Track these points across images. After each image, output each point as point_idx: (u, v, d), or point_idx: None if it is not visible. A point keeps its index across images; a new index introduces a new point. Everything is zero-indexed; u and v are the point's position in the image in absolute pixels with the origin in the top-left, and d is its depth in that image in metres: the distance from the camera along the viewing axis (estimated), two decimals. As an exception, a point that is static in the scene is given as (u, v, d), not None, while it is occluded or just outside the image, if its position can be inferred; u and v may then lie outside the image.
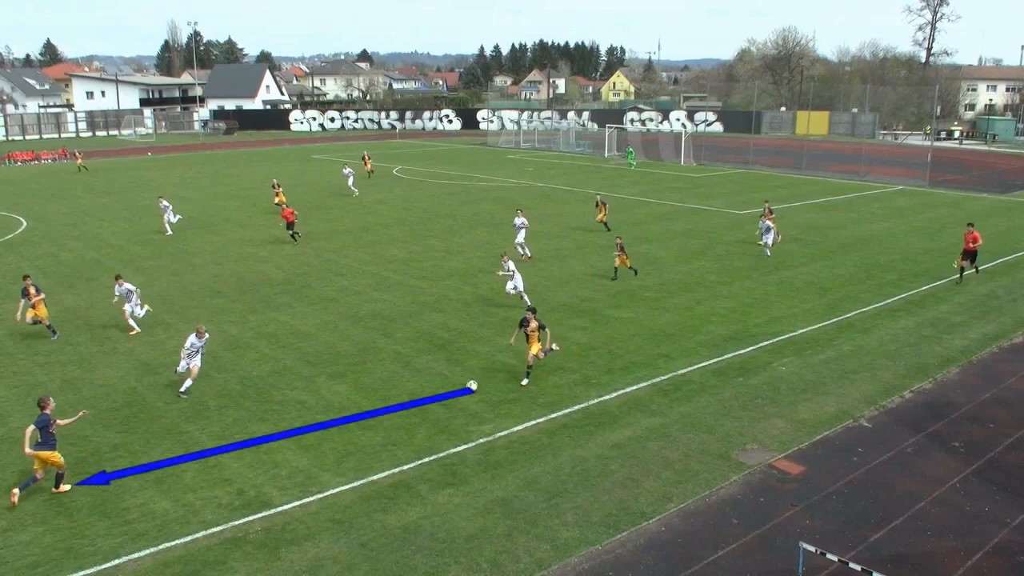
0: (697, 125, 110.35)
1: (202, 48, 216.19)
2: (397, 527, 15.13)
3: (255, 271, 34.51)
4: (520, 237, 35.82)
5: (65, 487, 16.56)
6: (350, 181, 56.72)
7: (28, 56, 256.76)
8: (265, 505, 15.90)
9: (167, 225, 43.56)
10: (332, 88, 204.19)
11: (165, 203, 44.25)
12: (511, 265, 28.61)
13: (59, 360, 24.12)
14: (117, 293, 26.63)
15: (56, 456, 16.56)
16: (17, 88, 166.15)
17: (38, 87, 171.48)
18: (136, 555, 14.37)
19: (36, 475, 16.47)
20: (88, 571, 13.97)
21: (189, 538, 14.84)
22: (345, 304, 29.34)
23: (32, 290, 25.91)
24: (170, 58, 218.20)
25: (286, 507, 15.83)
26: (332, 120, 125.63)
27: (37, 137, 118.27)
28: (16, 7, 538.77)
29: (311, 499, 16.11)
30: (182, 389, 21.15)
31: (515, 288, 28.04)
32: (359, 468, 17.32)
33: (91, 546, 14.66)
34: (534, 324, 21.83)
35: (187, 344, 21.42)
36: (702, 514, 15.65)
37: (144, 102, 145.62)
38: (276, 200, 48.83)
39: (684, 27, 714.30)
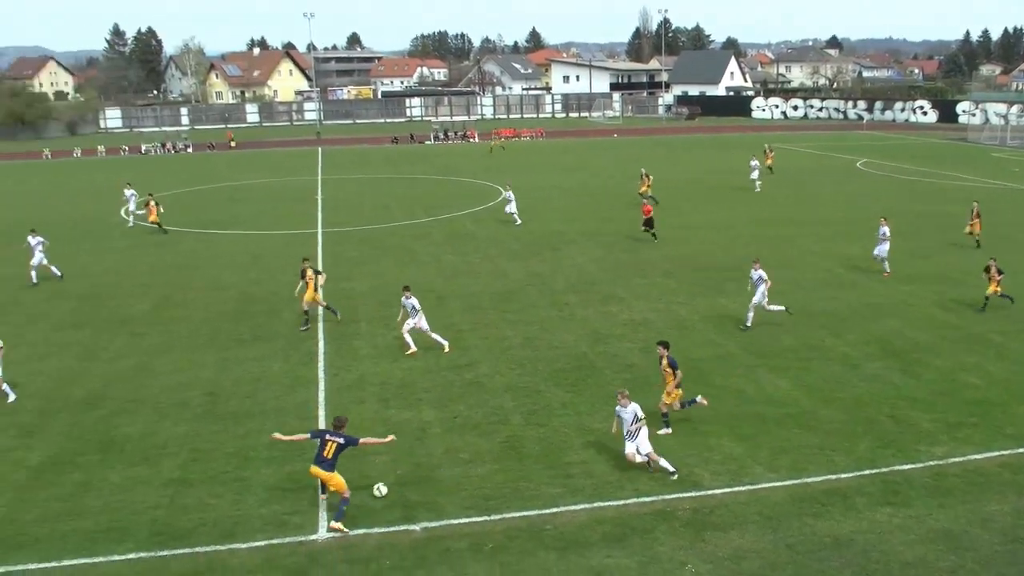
0: None
1: (670, 35, 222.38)
2: (827, 536, 14.47)
3: (706, 254, 34.95)
4: (880, 250, 31.57)
5: (338, 525, 14.92)
6: (754, 174, 53.52)
7: (516, 43, 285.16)
8: (695, 486, 16.09)
9: (129, 216, 44.68)
10: (797, 75, 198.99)
11: (129, 192, 46.62)
12: (760, 274, 25.14)
13: (524, 320, 26.45)
14: (403, 303, 23.73)
15: (337, 479, 15.19)
16: (505, 72, 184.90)
17: (522, 71, 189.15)
18: (572, 507, 15.36)
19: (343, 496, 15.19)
20: (529, 512, 15.22)
21: (621, 502, 15.52)
22: (793, 298, 28.46)
23: (309, 272, 26.30)
24: (639, 44, 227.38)
25: (716, 492, 15.88)
26: (795, 108, 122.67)
27: (519, 116, 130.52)
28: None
29: (741, 489, 15.99)
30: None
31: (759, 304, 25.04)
32: (793, 467, 16.82)
33: (535, 491, 15.96)
34: (664, 362, 18.47)
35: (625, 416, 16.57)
36: None
37: (614, 86, 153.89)
38: (642, 189, 47.57)
39: None
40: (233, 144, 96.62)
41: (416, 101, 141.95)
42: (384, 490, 15.81)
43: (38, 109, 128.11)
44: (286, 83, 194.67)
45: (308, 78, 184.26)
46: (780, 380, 21.34)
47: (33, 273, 32.43)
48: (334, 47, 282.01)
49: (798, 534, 14.51)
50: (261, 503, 15.78)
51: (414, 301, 23.49)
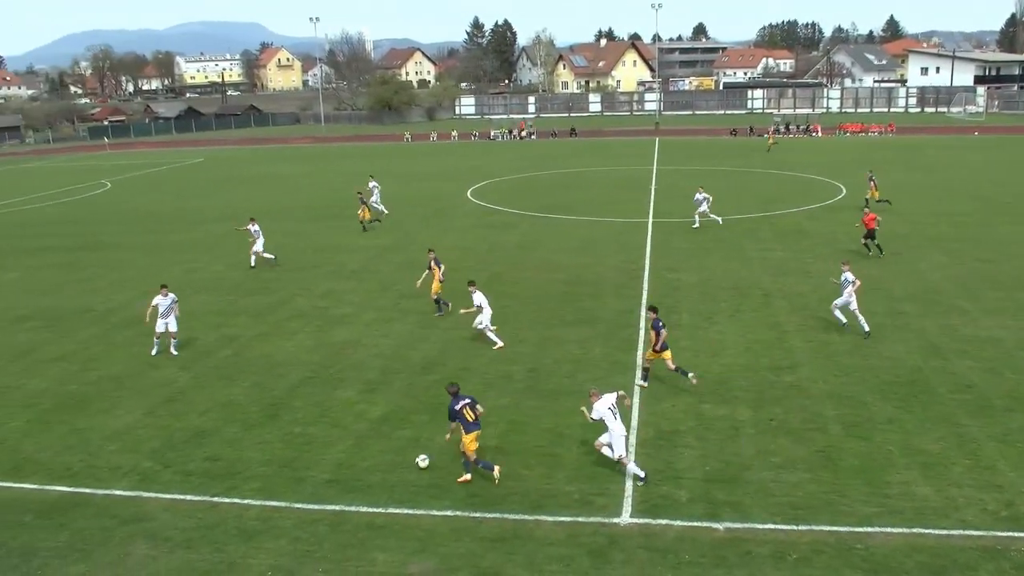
0: None
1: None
2: None
3: (1076, 271, 31.00)
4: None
5: (466, 476, 16.56)
6: None
7: (871, 32, 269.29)
8: (1036, 526, 14.54)
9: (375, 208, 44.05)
10: None
11: (372, 184, 46.21)
12: (846, 276, 24.50)
13: (854, 325, 25.08)
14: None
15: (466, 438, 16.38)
16: (856, 63, 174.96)
17: (876, 62, 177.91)
18: (888, 529, 14.47)
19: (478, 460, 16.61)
20: (839, 528, 14.54)
21: (943, 532, 14.37)
22: None
23: (433, 264, 27.40)
24: (1014, 32, 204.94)
25: (1061, 537, 14.23)
26: None
27: (867, 110, 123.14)
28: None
29: (1094, 537, 14.20)
30: None
31: None
32: None
33: (848, 507, 15.21)
34: (649, 324, 20.41)
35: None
36: None
37: (979, 79, 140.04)
38: (868, 195, 42.68)
39: None
40: (524, 133, 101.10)
41: (758, 93, 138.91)
42: (427, 462, 16.97)
43: (403, 96, 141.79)
44: (629, 73, 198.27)
45: (651, 69, 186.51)
46: None
47: (253, 258, 35.37)
48: (679, 37, 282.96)
49: None
50: (569, 480, 16.49)
51: (479, 296, 24.48)
